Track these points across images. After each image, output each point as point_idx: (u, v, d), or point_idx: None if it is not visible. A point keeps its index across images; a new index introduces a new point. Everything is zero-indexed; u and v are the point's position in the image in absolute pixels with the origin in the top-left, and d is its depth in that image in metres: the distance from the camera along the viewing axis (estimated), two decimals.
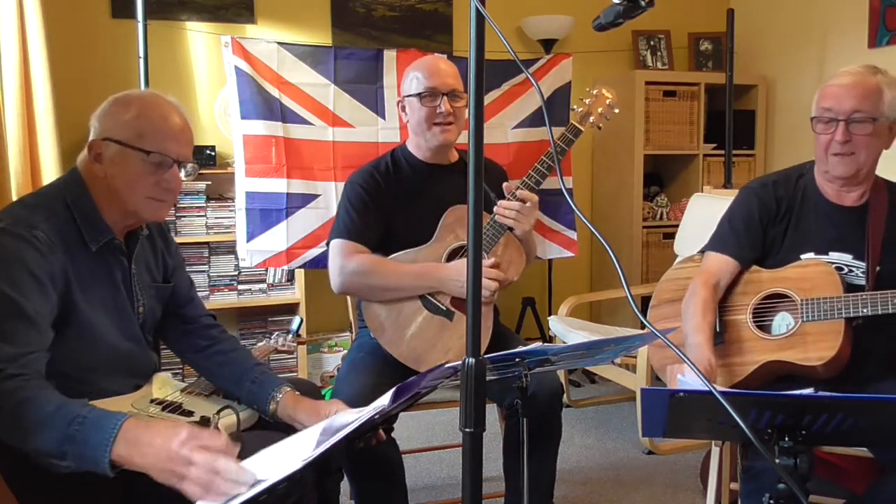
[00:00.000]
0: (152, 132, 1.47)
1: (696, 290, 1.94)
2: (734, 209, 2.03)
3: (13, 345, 1.28)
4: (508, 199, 2.06)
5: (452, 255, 2.11)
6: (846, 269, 1.87)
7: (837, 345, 1.78)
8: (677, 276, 2.15)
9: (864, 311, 1.77)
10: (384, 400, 1.28)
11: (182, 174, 1.53)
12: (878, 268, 1.83)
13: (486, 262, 2.01)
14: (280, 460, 1.24)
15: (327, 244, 2.20)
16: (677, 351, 1.08)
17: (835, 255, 1.88)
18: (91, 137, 1.48)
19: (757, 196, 1.97)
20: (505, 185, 2.11)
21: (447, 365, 1.33)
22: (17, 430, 1.22)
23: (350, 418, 1.30)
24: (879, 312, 1.75)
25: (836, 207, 1.91)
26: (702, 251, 2.09)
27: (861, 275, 1.86)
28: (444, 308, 2.07)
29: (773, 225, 1.95)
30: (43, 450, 1.21)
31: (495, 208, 2.06)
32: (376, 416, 1.33)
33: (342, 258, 2.08)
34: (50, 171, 2.80)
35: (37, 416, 1.21)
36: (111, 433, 1.19)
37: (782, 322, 1.90)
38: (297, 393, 1.63)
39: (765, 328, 1.92)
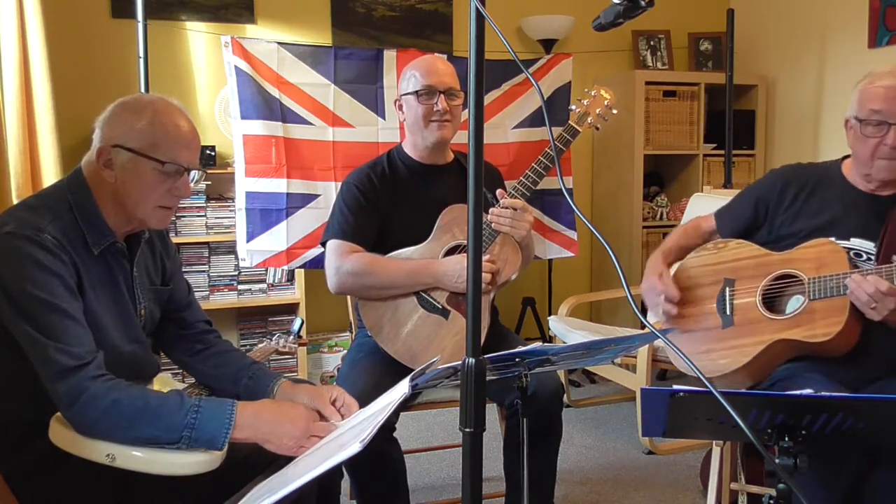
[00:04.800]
0: (166, 141, 1.45)
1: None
2: (754, 185, 2.12)
3: (76, 345, 1.32)
4: (499, 208, 2.06)
5: (449, 255, 2.10)
6: (864, 256, 1.86)
7: (843, 319, 1.77)
8: (697, 265, 2.10)
9: None
10: (403, 388, 1.29)
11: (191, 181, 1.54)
12: None
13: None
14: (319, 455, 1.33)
15: (322, 244, 2.20)
16: (679, 351, 1.08)
17: (856, 241, 1.88)
18: (98, 142, 1.46)
19: (782, 175, 2.03)
20: (499, 192, 2.10)
21: (447, 364, 1.33)
22: (117, 426, 1.32)
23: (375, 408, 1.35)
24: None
25: (865, 196, 1.91)
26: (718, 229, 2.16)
27: None
28: (440, 307, 2.08)
29: (795, 199, 1.98)
30: (161, 438, 1.33)
31: (490, 217, 2.05)
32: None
33: (337, 259, 2.09)
34: (50, 172, 2.80)
35: (142, 409, 1.33)
36: (229, 419, 1.37)
37: (796, 304, 1.90)
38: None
39: (775, 310, 1.92)
